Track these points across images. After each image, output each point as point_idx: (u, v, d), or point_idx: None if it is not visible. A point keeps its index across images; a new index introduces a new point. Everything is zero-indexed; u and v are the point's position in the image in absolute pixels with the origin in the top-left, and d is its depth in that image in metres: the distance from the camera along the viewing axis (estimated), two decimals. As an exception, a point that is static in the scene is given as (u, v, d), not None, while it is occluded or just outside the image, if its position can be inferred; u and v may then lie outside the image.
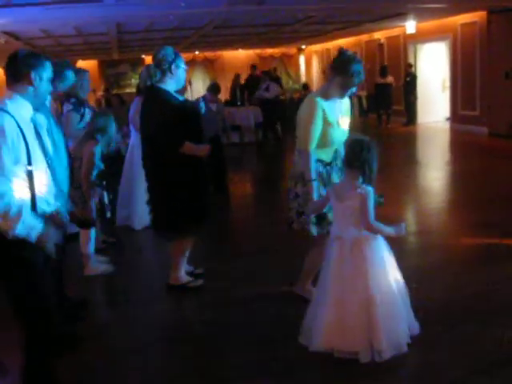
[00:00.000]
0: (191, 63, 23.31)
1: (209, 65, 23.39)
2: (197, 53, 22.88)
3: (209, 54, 23.30)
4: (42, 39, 13.66)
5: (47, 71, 3.06)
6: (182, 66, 4.62)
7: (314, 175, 4.03)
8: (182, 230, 4.70)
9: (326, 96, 4.12)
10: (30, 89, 2.97)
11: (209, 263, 5.42)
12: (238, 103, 16.21)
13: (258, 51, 23.81)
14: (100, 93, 20.66)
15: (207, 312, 4.53)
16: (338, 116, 4.16)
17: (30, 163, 2.85)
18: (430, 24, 15.46)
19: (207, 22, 12.97)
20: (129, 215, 6.96)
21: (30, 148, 2.86)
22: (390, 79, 16.64)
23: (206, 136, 4.96)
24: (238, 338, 4.05)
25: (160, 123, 4.44)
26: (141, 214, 6.55)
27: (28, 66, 2.96)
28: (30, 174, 2.86)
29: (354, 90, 4.19)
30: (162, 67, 4.52)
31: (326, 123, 4.07)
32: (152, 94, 4.64)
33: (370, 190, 3.52)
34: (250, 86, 16.45)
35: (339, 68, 4.07)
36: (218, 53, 23.37)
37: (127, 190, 6.88)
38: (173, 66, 4.53)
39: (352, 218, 3.56)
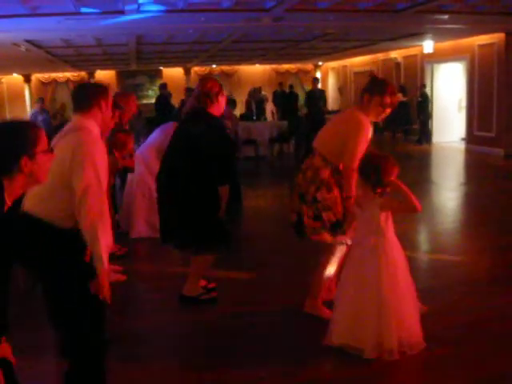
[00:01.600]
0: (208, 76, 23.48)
1: (225, 78, 23.50)
2: (214, 66, 23.01)
3: (226, 67, 23.43)
4: (63, 49, 13.82)
5: (110, 100, 3.35)
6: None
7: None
8: (212, 246, 4.77)
9: (366, 116, 4.24)
10: (100, 116, 3.25)
11: (220, 275, 5.44)
12: (254, 117, 16.32)
13: (274, 66, 23.91)
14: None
15: (219, 323, 4.55)
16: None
17: None
18: (448, 44, 15.48)
19: (226, 37, 13.09)
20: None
21: None
22: (405, 98, 16.74)
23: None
24: (248, 351, 4.06)
25: (217, 152, 4.65)
26: (138, 225, 7.01)
27: (98, 95, 3.25)
28: None
29: (388, 111, 4.31)
30: (211, 97, 4.73)
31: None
32: (208, 118, 4.75)
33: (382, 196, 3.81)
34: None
35: (376, 88, 4.25)
36: (235, 67, 23.50)
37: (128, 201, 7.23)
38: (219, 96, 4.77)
39: (372, 226, 3.83)
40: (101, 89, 3.32)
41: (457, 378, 3.61)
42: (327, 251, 4.38)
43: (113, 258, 5.80)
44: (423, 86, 16.86)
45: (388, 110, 4.29)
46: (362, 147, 4.12)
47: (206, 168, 4.65)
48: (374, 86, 4.34)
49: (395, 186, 3.80)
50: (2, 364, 1.95)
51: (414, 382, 3.70)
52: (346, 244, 4.23)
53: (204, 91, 4.72)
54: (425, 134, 16.92)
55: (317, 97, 14.73)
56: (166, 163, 4.87)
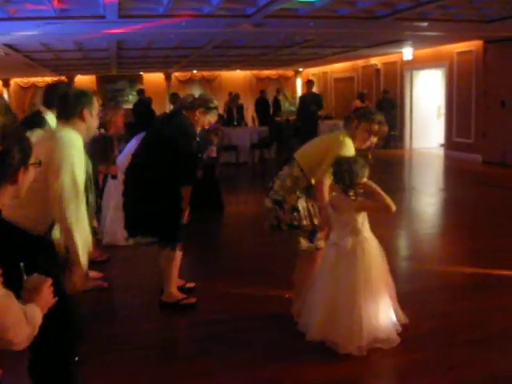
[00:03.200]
0: (188, 82, 23.45)
1: (206, 84, 23.49)
2: (195, 72, 23.00)
3: (206, 73, 23.43)
4: (42, 53, 13.72)
5: (95, 108, 3.30)
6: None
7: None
8: (171, 236, 4.80)
9: (353, 141, 4.31)
10: (83, 125, 3.20)
11: (199, 281, 5.43)
12: (235, 123, 16.33)
13: (255, 72, 23.96)
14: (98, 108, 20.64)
15: (198, 330, 4.54)
16: None
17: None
18: (427, 51, 15.66)
19: (207, 42, 13.10)
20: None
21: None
22: (366, 103, 16.90)
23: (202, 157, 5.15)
24: (231, 357, 4.05)
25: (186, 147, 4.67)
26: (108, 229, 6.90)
27: (81, 104, 3.20)
28: None
29: (374, 140, 4.40)
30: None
31: None
32: (179, 119, 4.81)
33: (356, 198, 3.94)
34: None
35: (365, 115, 4.37)
36: (216, 72, 23.50)
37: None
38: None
39: (348, 228, 3.93)
40: (85, 98, 3.27)
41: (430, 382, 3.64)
42: (307, 258, 4.44)
43: (93, 264, 5.77)
44: (385, 91, 17.32)
45: (374, 139, 4.38)
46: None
47: (170, 167, 4.66)
48: (363, 112, 4.49)
49: (368, 187, 3.90)
50: None
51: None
52: (321, 249, 4.33)
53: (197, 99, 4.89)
54: (388, 139, 17.10)
55: (307, 101, 14.55)
56: (134, 158, 4.96)
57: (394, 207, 3.86)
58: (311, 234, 4.35)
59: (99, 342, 4.19)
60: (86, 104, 3.23)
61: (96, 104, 3.33)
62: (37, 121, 4.49)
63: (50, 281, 2.01)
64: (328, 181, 4.22)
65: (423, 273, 5.79)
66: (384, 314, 3.94)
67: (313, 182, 4.36)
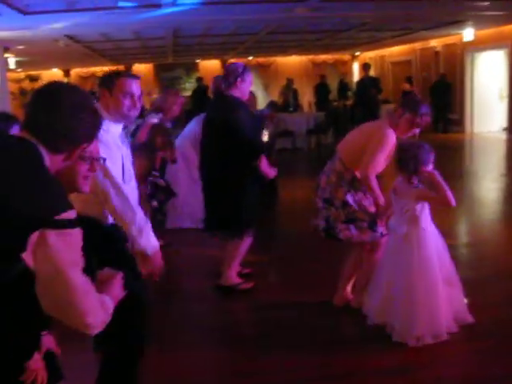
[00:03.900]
0: (245, 68, 23.43)
1: (262, 70, 23.46)
2: (250, 58, 23.01)
3: (262, 59, 23.38)
4: (101, 43, 14.00)
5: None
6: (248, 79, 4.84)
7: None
8: (243, 228, 4.86)
9: (395, 130, 4.20)
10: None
11: (255, 267, 5.46)
12: (290, 109, 16.28)
13: (311, 57, 23.76)
14: (155, 96, 20.95)
15: (257, 314, 4.57)
16: None
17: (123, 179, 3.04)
18: (489, 32, 15.16)
19: (262, 28, 13.07)
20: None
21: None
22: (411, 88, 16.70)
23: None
24: (289, 341, 4.07)
25: (244, 127, 4.66)
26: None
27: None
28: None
29: (417, 131, 4.30)
30: (229, 80, 4.75)
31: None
32: (229, 102, 4.78)
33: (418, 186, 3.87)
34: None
35: (410, 106, 4.22)
36: (271, 58, 23.43)
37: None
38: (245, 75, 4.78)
39: (406, 216, 3.87)
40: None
41: (494, 372, 3.55)
42: (369, 249, 4.37)
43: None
44: (442, 75, 17.10)
45: (416, 130, 4.28)
46: (380, 158, 4.11)
47: (232, 149, 4.67)
48: (408, 102, 4.35)
49: (431, 177, 3.80)
50: (45, 356, 1.98)
51: (451, 373, 3.65)
52: (385, 234, 4.26)
53: (224, 75, 4.81)
54: (442, 123, 16.90)
55: (366, 85, 14.30)
56: (202, 151, 5.04)
57: (453, 202, 3.76)
58: (371, 224, 4.23)
59: (158, 323, 4.28)
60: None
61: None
62: None
63: (121, 274, 2.07)
64: (374, 173, 4.11)
65: (485, 260, 5.66)
66: (442, 309, 3.84)
67: (357, 174, 4.25)
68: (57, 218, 1.65)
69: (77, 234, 1.73)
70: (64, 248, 1.67)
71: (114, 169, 2.95)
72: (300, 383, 3.55)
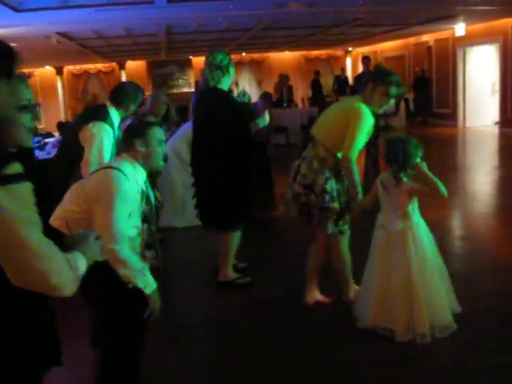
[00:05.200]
0: (238, 65, 23.40)
1: (255, 66, 23.47)
2: (244, 54, 22.99)
3: (255, 55, 23.38)
4: (93, 40, 13.97)
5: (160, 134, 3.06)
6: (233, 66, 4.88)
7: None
8: (232, 223, 4.87)
9: (368, 106, 4.14)
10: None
11: (250, 261, 5.49)
12: (284, 104, 16.28)
13: (304, 53, 23.78)
14: (148, 93, 20.89)
15: (255, 308, 4.60)
16: None
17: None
18: (480, 26, 15.22)
19: (255, 24, 13.07)
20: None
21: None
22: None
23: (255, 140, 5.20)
24: (286, 334, 4.10)
25: (231, 118, 4.70)
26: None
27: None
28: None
29: (392, 102, 4.25)
30: (222, 69, 4.72)
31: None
32: (218, 96, 4.79)
33: (409, 182, 3.82)
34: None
35: (381, 78, 4.16)
36: (265, 54, 23.44)
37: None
38: (230, 67, 4.76)
39: (398, 212, 3.84)
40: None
41: (490, 361, 3.59)
42: (317, 240, 4.40)
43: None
44: (422, 70, 18.11)
45: (391, 102, 4.22)
46: (361, 138, 4.06)
47: (221, 142, 4.70)
48: (379, 74, 4.25)
49: (420, 171, 3.77)
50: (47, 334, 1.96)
51: (447, 364, 3.69)
52: (344, 234, 4.27)
53: (215, 63, 4.72)
54: (424, 116, 17.95)
55: (365, 78, 14.28)
56: (193, 146, 5.04)
57: (445, 192, 3.73)
58: (338, 217, 4.19)
59: (159, 319, 4.29)
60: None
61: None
62: (101, 114, 4.57)
63: (94, 233, 2.00)
64: (355, 156, 4.04)
65: (477, 253, 5.68)
66: (441, 302, 3.87)
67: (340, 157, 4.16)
68: None
69: (25, 189, 1.58)
70: (13, 205, 1.53)
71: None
72: (297, 378, 3.57)
